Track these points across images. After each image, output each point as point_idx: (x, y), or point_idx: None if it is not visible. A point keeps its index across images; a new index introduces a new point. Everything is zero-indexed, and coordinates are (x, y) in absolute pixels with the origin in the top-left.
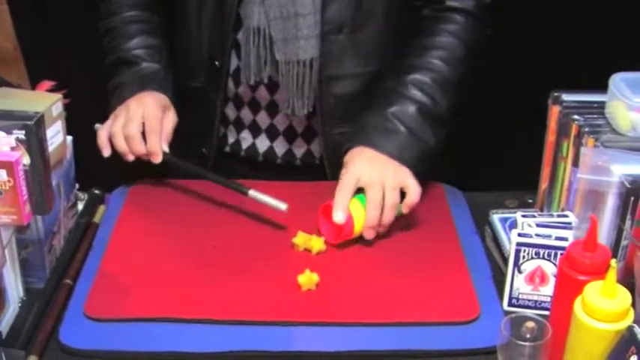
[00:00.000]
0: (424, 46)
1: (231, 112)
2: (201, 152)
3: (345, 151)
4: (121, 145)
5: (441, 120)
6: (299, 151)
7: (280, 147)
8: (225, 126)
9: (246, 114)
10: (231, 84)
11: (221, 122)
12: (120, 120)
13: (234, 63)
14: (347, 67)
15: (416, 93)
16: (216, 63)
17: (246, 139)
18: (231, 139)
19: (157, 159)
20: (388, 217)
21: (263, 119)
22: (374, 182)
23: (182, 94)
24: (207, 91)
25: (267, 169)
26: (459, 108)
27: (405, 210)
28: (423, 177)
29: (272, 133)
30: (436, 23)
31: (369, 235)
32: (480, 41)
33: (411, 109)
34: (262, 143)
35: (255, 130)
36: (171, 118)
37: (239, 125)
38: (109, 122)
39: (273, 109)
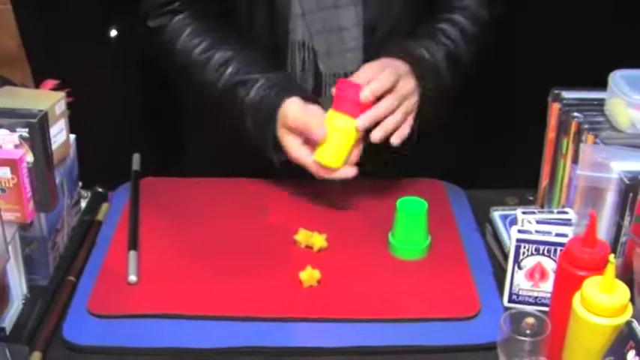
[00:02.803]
0: (451, 6)
1: None
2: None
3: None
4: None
5: (461, 71)
6: None
7: None
8: None
9: None
10: None
11: None
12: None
13: None
14: None
15: (445, 40)
16: None
17: None
18: None
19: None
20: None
21: None
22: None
23: None
24: None
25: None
26: (474, 69)
27: (394, 140)
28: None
29: None
30: None
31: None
32: (498, 13)
33: (440, 49)
34: None
35: None
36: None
37: None
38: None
39: None
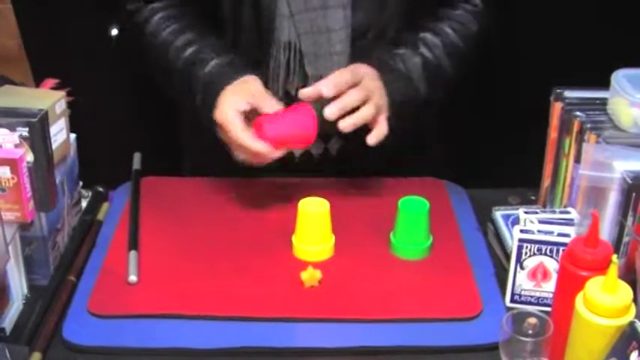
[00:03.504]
0: (441, 16)
1: None
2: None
3: None
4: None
5: (440, 81)
6: (316, 150)
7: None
8: None
9: None
10: None
11: None
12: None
13: None
14: None
15: (424, 49)
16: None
17: None
18: None
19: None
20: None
21: None
22: (369, 90)
23: None
24: None
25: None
26: (457, 82)
27: (371, 141)
28: (394, 126)
29: None
30: (457, 1)
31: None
32: (492, 25)
33: (416, 59)
34: None
35: None
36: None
37: None
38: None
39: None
